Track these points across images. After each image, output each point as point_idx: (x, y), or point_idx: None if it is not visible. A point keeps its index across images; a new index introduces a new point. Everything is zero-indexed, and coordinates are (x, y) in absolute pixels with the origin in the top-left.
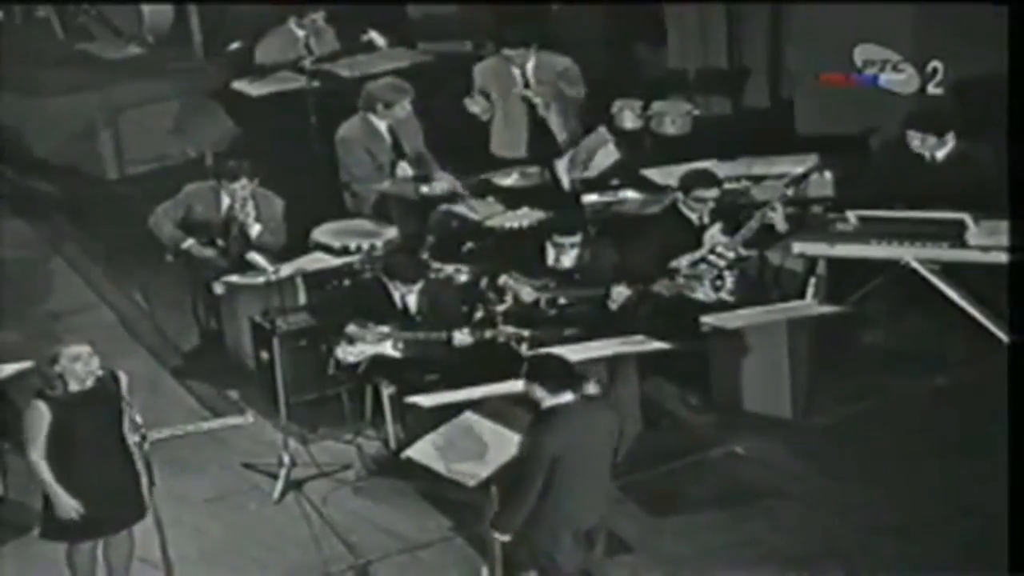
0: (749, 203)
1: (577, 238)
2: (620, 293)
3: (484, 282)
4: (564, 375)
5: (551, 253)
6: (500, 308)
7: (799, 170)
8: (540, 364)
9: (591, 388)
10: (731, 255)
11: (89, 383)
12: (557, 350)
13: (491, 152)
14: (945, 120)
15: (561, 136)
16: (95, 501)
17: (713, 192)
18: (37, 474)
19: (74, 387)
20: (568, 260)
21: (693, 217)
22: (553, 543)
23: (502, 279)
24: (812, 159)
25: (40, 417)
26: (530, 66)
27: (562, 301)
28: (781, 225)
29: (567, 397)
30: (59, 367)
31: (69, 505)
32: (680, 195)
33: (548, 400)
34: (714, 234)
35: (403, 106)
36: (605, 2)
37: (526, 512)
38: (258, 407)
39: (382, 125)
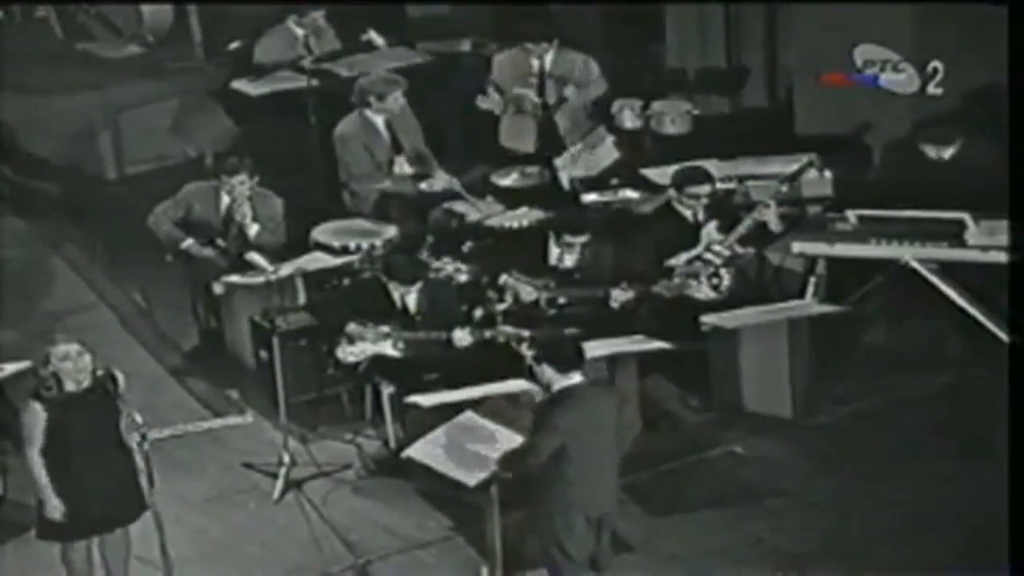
0: (745, 202)
1: (586, 237)
2: (621, 294)
3: (484, 281)
4: (573, 355)
5: (555, 252)
6: (500, 308)
7: (794, 167)
8: (550, 345)
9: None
10: (727, 253)
11: (85, 382)
12: None
13: (500, 144)
14: (950, 128)
15: (566, 133)
16: (91, 500)
17: (706, 189)
18: (32, 473)
19: (69, 387)
20: (571, 259)
21: (688, 215)
22: (566, 529)
23: (503, 278)
24: (807, 157)
25: (35, 417)
26: (548, 60)
27: (562, 301)
28: (775, 224)
29: (576, 378)
30: (51, 367)
31: (54, 506)
32: (674, 193)
33: (558, 381)
34: (710, 232)
35: (396, 98)
36: (605, 2)
37: (528, 472)
38: (258, 407)
39: (379, 121)
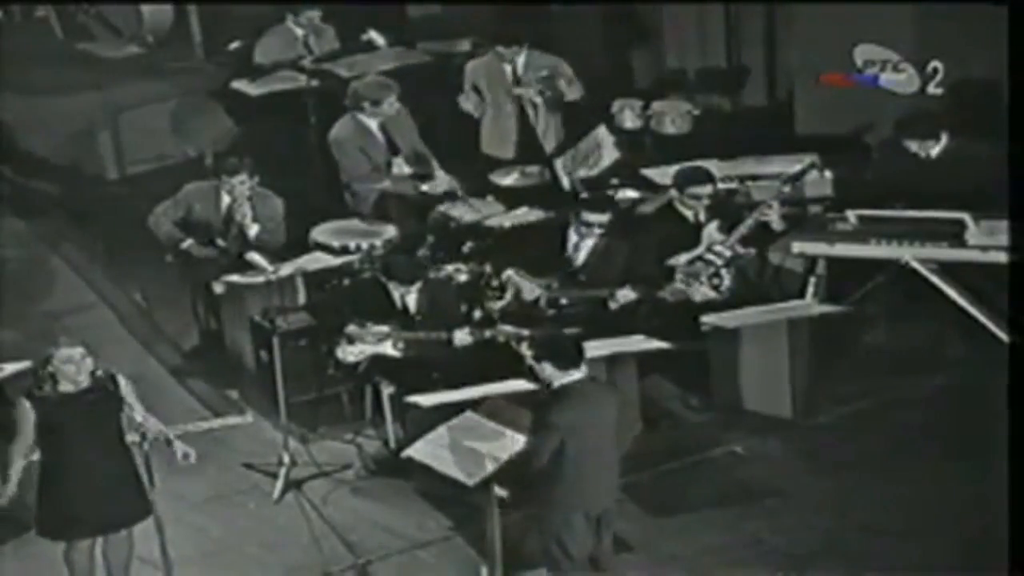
0: (747, 202)
1: (606, 218)
2: (625, 296)
3: (488, 277)
4: (574, 353)
5: (573, 238)
6: (498, 304)
7: (796, 168)
8: (549, 343)
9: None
10: (728, 253)
11: (84, 383)
12: None
13: (481, 150)
14: (932, 123)
15: (545, 136)
16: (91, 500)
17: (707, 189)
18: (10, 468)
19: (66, 388)
20: (585, 249)
21: (689, 215)
22: (566, 527)
23: (507, 274)
24: (809, 157)
25: (24, 415)
26: (520, 63)
27: (563, 302)
28: (777, 224)
29: (576, 375)
30: (51, 368)
31: (5, 495)
32: (675, 193)
33: (558, 378)
34: (711, 232)
35: (390, 103)
36: (605, 1)
37: (530, 474)
38: (258, 407)
39: (373, 123)
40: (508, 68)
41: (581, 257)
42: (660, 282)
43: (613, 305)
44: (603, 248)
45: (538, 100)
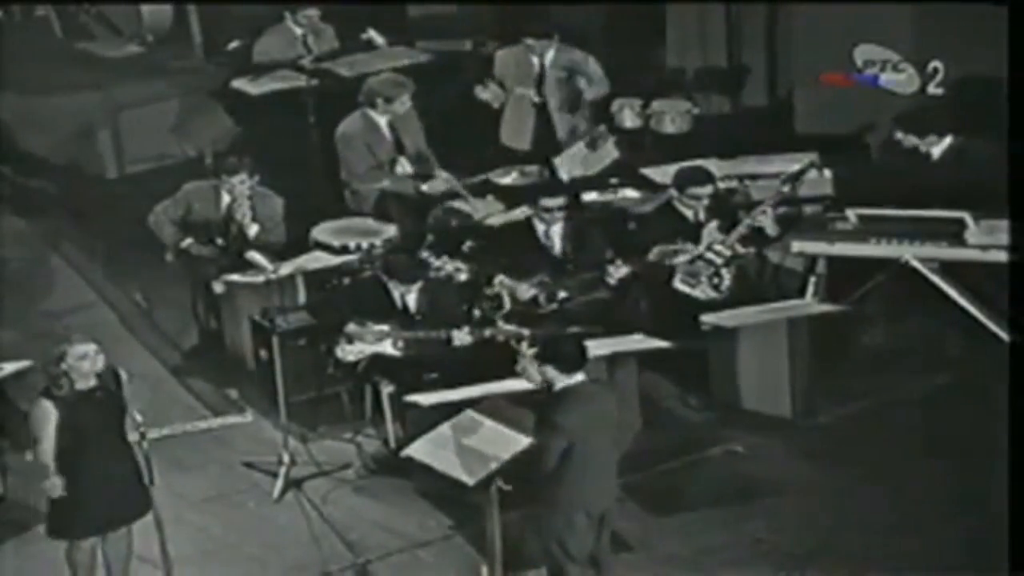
0: (746, 201)
1: (561, 200)
2: (617, 268)
3: (483, 283)
4: (576, 355)
5: (540, 228)
6: (499, 313)
7: (796, 167)
8: (554, 345)
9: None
10: (728, 253)
11: (92, 381)
12: None
13: (500, 141)
14: (930, 121)
15: (562, 132)
16: (98, 498)
17: (707, 189)
18: (40, 465)
19: (80, 385)
20: (557, 235)
21: (688, 214)
22: (567, 526)
23: (497, 280)
24: (809, 157)
25: (46, 416)
26: (549, 57)
27: (562, 295)
28: (771, 229)
29: (578, 378)
30: (65, 365)
31: (54, 484)
32: (675, 192)
33: (560, 381)
34: (711, 231)
35: (403, 101)
36: (605, 1)
37: (537, 475)
38: (258, 406)
39: (382, 121)
40: (536, 61)
41: (556, 244)
42: (647, 250)
43: (611, 281)
44: (573, 230)
45: (537, 100)
